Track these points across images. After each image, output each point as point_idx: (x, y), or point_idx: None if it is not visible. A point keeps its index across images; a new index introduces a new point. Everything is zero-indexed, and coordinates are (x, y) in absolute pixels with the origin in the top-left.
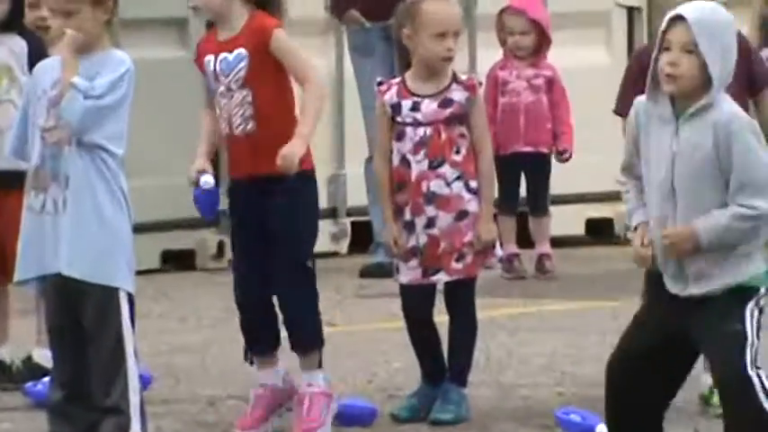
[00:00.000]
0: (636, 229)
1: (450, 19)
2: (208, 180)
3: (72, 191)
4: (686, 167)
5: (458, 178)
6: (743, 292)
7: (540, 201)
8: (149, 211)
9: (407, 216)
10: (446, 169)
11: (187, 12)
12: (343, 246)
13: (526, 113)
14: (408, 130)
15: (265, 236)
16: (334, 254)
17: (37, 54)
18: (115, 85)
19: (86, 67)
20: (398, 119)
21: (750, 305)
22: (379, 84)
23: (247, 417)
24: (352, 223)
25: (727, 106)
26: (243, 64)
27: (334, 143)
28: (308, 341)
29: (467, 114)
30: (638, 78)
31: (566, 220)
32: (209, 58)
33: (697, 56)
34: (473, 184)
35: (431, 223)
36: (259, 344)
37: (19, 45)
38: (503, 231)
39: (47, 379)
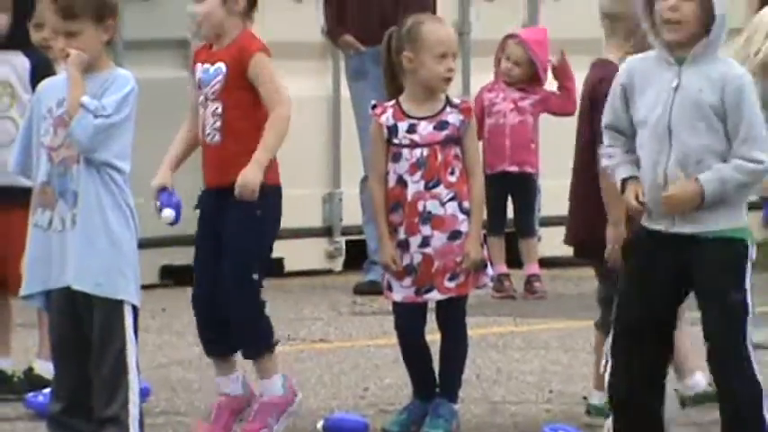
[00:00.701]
0: (624, 183)
1: (450, 40)
2: (169, 214)
3: (81, 208)
4: (686, 108)
5: (452, 199)
6: (733, 244)
7: (528, 221)
8: (148, 228)
9: (402, 235)
10: (441, 190)
11: (188, 33)
12: (338, 264)
13: (511, 135)
14: (405, 151)
15: (220, 245)
16: (329, 271)
17: (41, 72)
18: (122, 103)
19: (91, 86)
20: (395, 140)
21: (748, 266)
22: (374, 107)
23: (204, 427)
24: (347, 242)
25: (733, 62)
26: (220, 78)
27: (329, 163)
28: (254, 349)
29: (461, 137)
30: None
31: (554, 242)
32: (198, 65)
33: (696, 0)
34: (466, 204)
35: (425, 242)
36: (215, 348)
37: (22, 62)
38: (492, 251)
39: (47, 390)
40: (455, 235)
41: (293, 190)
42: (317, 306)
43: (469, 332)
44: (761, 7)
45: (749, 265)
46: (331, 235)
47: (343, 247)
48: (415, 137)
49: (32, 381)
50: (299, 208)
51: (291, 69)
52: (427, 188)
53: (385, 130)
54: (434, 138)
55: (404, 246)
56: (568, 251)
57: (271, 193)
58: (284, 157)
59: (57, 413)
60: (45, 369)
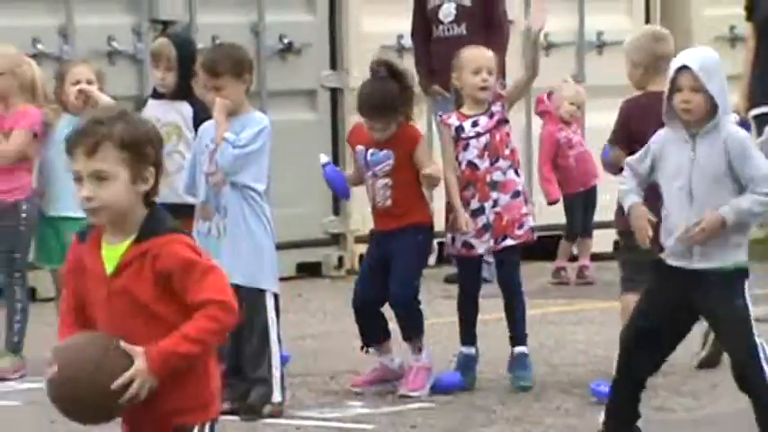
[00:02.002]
0: (631, 206)
1: (482, 58)
2: (322, 156)
3: (229, 219)
4: (703, 175)
5: (509, 167)
6: (737, 273)
7: (588, 225)
8: (287, 233)
9: (476, 204)
10: (501, 163)
11: (316, 85)
12: (432, 259)
13: (587, 159)
14: (472, 141)
15: (385, 263)
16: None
17: (201, 116)
18: (255, 137)
19: (234, 125)
20: (463, 135)
21: (746, 283)
22: (441, 115)
23: (360, 378)
24: (439, 243)
25: (731, 125)
26: (390, 161)
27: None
28: (412, 333)
29: (507, 118)
30: (628, 118)
31: (601, 241)
32: (361, 148)
33: (703, 93)
34: (519, 170)
35: (495, 204)
36: (371, 339)
37: (186, 109)
38: (561, 250)
39: None
40: (516, 194)
41: None
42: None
43: (533, 311)
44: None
45: (746, 280)
46: None
47: (436, 246)
48: (478, 129)
49: None
50: None
51: None
52: (492, 164)
53: (453, 131)
54: (491, 125)
55: (480, 211)
56: (608, 248)
57: (421, 229)
58: None
59: (220, 374)
60: None
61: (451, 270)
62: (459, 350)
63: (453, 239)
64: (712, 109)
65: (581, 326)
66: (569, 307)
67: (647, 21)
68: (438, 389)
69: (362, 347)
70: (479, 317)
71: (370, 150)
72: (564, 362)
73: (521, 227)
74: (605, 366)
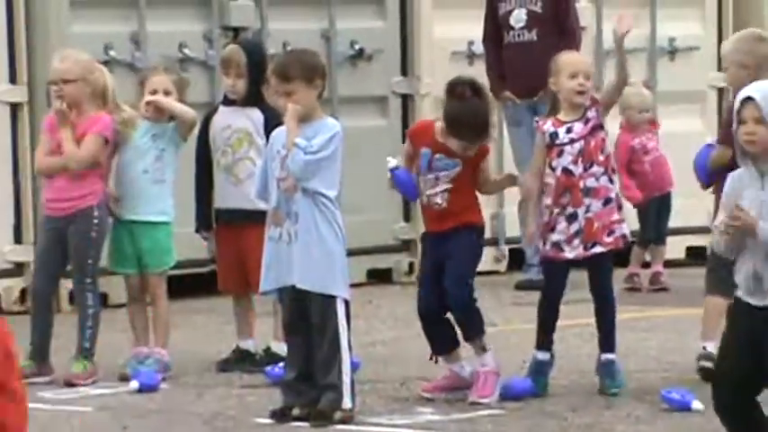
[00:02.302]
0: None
1: (579, 63)
2: (393, 161)
3: (300, 225)
4: None
5: (603, 174)
6: None
7: (662, 232)
8: (358, 239)
9: (570, 210)
10: (595, 169)
11: (387, 91)
12: (503, 266)
13: (652, 167)
14: (567, 148)
15: (441, 265)
16: (496, 272)
17: (272, 122)
18: (326, 143)
19: (307, 131)
20: (557, 141)
21: None
22: (537, 121)
23: (430, 384)
24: (510, 249)
25: None
26: (457, 169)
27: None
28: (472, 333)
29: (602, 123)
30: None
31: (674, 248)
32: (427, 151)
33: (766, 125)
34: (613, 177)
35: (587, 210)
36: (440, 349)
37: (257, 116)
38: (634, 257)
39: (281, 364)
40: (608, 201)
41: None
42: (486, 299)
43: None
44: None
45: None
46: (497, 244)
47: (507, 253)
48: (572, 135)
49: (270, 357)
50: None
51: None
52: (585, 170)
53: (547, 137)
54: (585, 131)
55: (573, 217)
56: (681, 254)
57: (473, 230)
58: None
59: (290, 380)
60: (279, 348)
61: (522, 277)
62: (534, 355)
63: (545, 241)
64: None
65: (653, 332)
66: (641, 313)
67: (720, 27)
68: (509, 395)
69: (431, 357)
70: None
71: (437, 155)
72: (635, 368)
73: (610, 234)
74: (677, 373)
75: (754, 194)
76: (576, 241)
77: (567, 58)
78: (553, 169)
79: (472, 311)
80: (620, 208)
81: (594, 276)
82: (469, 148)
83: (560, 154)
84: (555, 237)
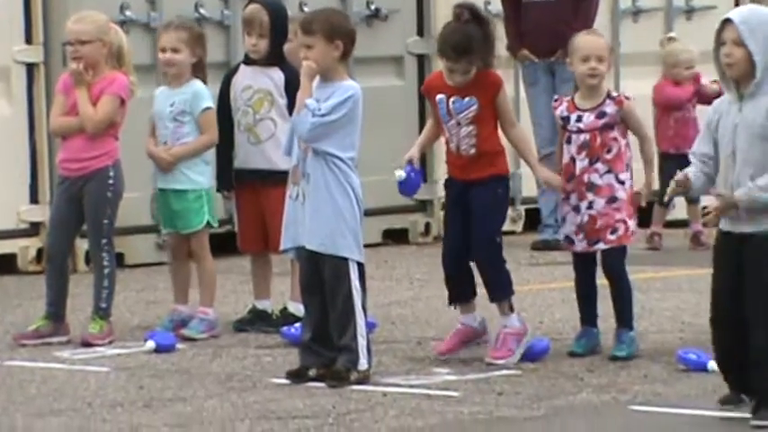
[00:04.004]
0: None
1: (592, 46)
2: (401, 174)
3: (312, 185)
4: (744, 135)
5: (608, 172)
6: None
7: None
8: (374, 199)
9: (573, 201)
10: (599, 165)
11: (403, 51)
12: (519, 226)
13: (677, 123)
14: (574, 136)
15: (467, 216)
16: (512, 232)
17: (293, 82)
18: (337, 107)
19: (323, 92)
20: (568, 127)
21: None
22: (555, 100)
23: (443, 346)
24: (526, 209)
25: None
26: (474, 107)
27: (511, 149)
28: (499, 293)
29: (618, 122)
30: None
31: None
32: (442, 96)
33: (744, 48)
34: (621, 176)
35: (590, 206)
36: (459, 295)
37: (278, 75)
38: (655, 215)
39: (298, 325)
40: (612, 200)
41: None
42: None
43: None
44: None
45: None
46: (513, 204)
47: (523, 213)
48: (581, 125)
49: (286, 317)
50: None
51: None
52: (590, 164)
53: (560, 120)
54: (595, 125)
55: (576, 209)
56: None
57: (501, 179)
58: None
59: (307, 341)
60: (295, 308)
61: (538, 237)
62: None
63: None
64: (755, 67)
65: (669, 293)
66: (657, 274)
67: None
68: (527, 356)
69: (450, 303)
70: (563, 284)
71: (452, 98)
72: (651, 329)
73: (614, 232)
74: (692, 334)
75: (730, 119)
76: (581, 235)
77: (580, 41)
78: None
79: (501, 272)
80: (632, 204)
81: (605, 260)
82: (460, 74)
83: (569, 140)
84: (566, 229)
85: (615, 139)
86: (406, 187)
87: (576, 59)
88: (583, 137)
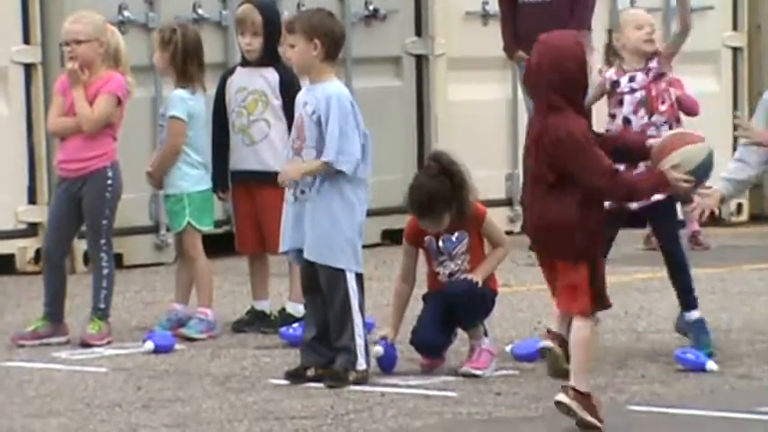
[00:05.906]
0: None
1: (645, 17)
2: (378, 350)
3: (310, 193)
4: None
5: (664, 123)
6: None
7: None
8: (372, 200)
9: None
10: (656, 118)
11: (401, 52)
12: (517, 226)
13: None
14: (627, 97)
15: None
16: (510, 232)
17: (288, 83)
18: (340, 119)
19: (309, 93)
20: (618, 90)
21: None
22: (600, 70)
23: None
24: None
25: None
26: (466, 241)
27: (510, 149)
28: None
29: (664, 73)
30: None
31: None
32: (430, 238)
33: None
34: (675, 127)
35: None
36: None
37: (272, 75)
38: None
39: (296, 325)
40: None
41: (483, 171)
42: None
43: (619, 278)
44: None
45: None
46: (511, 204)
47: (521, 213)
48: (634, 84)
49: (285, 318)
50: (488, 184)
51: (480, 78)
52: (649, 119)
53: (608, 84)
54: (646, 81)
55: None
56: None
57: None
58: (477, 144)
59: (308, 340)
60: (294, 309)
61: None
62: (687, 316)
63: None
64: None
65: (666, 292)
66: (654, 274)
67: None
68: (523, 357)
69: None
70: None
71: (441, 238)
72: (649, 329)
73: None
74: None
75: None
76: None
77: (631, 13)
78: (613, 117)
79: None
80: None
81: (659, 230)
82: (430, 227)
83: (620, 103)
84: None
85: (667, 89)
86: (384, 362)
87: (630, 29)
88: (638, 94)
